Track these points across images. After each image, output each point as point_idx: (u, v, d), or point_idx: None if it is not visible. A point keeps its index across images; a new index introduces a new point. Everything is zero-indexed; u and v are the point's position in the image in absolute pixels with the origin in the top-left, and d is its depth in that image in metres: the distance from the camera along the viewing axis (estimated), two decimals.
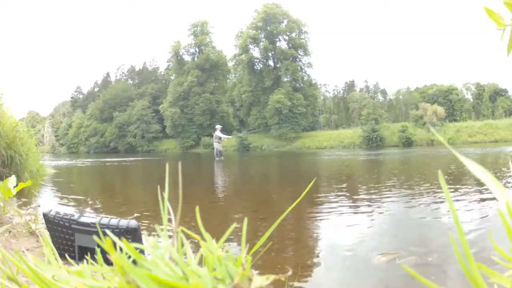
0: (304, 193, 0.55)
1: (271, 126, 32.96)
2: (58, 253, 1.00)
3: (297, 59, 36.07)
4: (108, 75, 49.05)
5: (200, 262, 0.31)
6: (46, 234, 1.15)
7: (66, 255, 0.83)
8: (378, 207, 3.47)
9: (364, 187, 5.07)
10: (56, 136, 48.43)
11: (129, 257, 0.30)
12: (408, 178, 5.92)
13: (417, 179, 5.71)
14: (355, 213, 3.26)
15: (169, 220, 0.36)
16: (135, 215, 3.36)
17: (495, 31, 0.44)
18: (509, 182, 4.70)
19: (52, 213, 1.10)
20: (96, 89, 48.29)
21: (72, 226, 1.06)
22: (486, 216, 2.86)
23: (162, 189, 0.37)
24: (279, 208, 3.91)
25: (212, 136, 18.33)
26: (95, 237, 0.34)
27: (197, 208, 0.36)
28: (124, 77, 47.72)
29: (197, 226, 0.35)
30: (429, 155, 12.94)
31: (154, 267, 0.29)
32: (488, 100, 37.62)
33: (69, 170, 10.89)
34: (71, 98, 51.68)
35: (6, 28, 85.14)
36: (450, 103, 34.16)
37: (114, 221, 1.02)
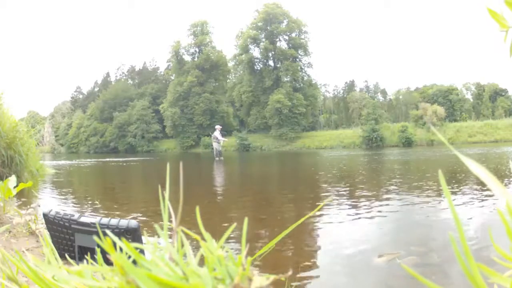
0: (318, 208, 0.56)
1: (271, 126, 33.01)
2: (58, 253, 1.00)
3: (297, 59, 36.03)
4: (108, 75, 49.06)
5: (200, 262, 0.31)
6: (46, 234, 1.15)
7: (66, 255, 0.83)
8: (379, 207, 3.47)
9: (364, 187, 5.07)
10: (56, 136, 48.37)
11: (129, 257, 0.30)
12: (409, 178, 5.92)
13: (418, 179, 5.71)
14: (355, 213, 3.26)
15: (169, 220, 0.36)
16: (135, 215, 3.37)
17: (497, 32, 0.44)
18: (509, 182, 4.70)
19: (52, 213, 1.10)
20: (96, 89, 48.26)
21: (72, 226, 1.06)
22: (487, 215, 2.86)
23: (163, 189, 0.37)
24: (279, 208, 3.91)
25: (210, 136, 18.39)
26: (95, 237, 0.34)
27: (197, 208, 0.36)
28: (124, 77, 47.69)
29: (197, 226, 0.35)
30: (429, 155, 12.94)
31: (154, 267, 0.29)
32: (488, 100, 37.58)
33: (69, 170, 10.89)
34: (71, 98, 51.68)
35: (6, 28, 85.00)
36: (450, 103, 34.13)
37: (114, 221, 1.02)
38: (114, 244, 0.31)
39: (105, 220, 1.03)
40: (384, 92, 43.78)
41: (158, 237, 0.35)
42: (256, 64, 36.56)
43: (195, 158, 20.32)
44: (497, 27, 0.43)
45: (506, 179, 4.96)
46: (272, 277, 0.29)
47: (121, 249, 0.31)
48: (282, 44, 36.05)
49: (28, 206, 3.44)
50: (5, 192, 2.44)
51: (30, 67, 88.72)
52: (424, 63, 71.00)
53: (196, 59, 38.21)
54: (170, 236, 0.34)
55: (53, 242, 1.09)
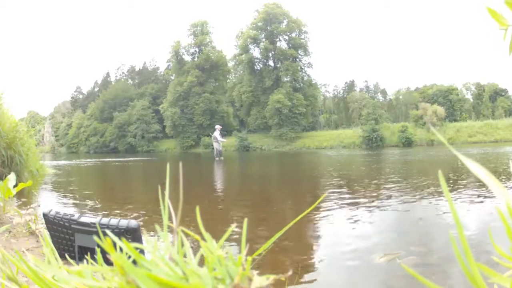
0: (314, 205, 0.56)
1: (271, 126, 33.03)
2: (58, 253, 1.00)
3: (297, 59, 36.03)
4: (108, 75, 49.06)
5: (201, 262, 0.31)
6: (46, 234, 1.15)
7: (66, 255, 0.83)
8: (379, 207, 3.47)
9: (365, 187, 5.07)
10: (56, 136, 48.41)
11: (129, 257, 0.30)
12: (409, 178, 5.92)
13: (418, 179, 5.71)
14: (355, 213, 3.26)
15: (170, 220, 0.36)
16: (135, 215, 3.36)
17: (497, 31, 0.44)
18: (509, 182, 4.70)
19: (52, 213, 1.10)
20: (96, 89, 48.26)
21: (72, 226, 1.06)
22: (487, 216, 2.86)
23: (163, 189, 0.37)
24: (279, 208, 3.91)
25: (210, 136, 18.42)
26: (95, 237, 0.34)
27: (197, 208, 0.36)
28: (124, 77, 47.70)
29: (197, 226, 0.35)
30: (430, 155, 12.94)
31: (154, 267, 0.29)
32: (488, 100, 37.58)
33: (69, 170, 10.89)
34: (71, 98, 51.68)
35: (6, 29, 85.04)
36: (450, 103, 34.14)
37: (114, 221, 1.02)
38: (114, 244, 0.31)
39: (105, 220, 1.03)
40: (384, 92, 43.78)
41: (158, 237, 0.35)
42: (256, 64, 36.56)
43: (195, 158, 20.32)
44: (497, 26, 0.43)
45: (506, 179, 4.96)
46: (272, 277, 0.29)
47: (121, 249, 0.31)
48: (282, 44, 36.08)
49: (28, 206, 3.44)
50: (5, 192, 2.44)
51: (30, 67, 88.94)
52: (424, 63, 71.03)
53: (196, 59, 38.22)
54: (170, 236, 0.34)
55: (53, 242, 1.09)
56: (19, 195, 3.93)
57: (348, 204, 3.70)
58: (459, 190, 4.22)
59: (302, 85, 35.58)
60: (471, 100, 38.80)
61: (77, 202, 4.32)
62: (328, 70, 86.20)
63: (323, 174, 7.64)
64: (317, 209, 3.43)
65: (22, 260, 0.48)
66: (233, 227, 0.38)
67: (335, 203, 3.73)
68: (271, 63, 36.34)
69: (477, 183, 4.54)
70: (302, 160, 14.11)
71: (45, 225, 1.14)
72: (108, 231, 0.35)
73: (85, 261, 0.93)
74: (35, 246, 1.95)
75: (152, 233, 2.44)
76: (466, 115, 34.17)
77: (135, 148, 39.09)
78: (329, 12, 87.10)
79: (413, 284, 1.59)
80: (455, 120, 31.99)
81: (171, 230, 0.35)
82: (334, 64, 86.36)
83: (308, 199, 4.30)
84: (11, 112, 6.07)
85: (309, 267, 1.96)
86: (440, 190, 4.16)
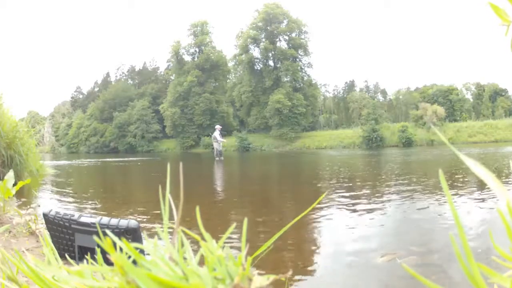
0: (312, 206, 0.56)
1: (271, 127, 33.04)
2: (58, 253, 1.00)
3: (297, 59, 36.03)
4: (108, 75, 49.01)
5: (201, 262, 0.31)
6: (46, 234, 1.15)
7: (66, 255, 0.83)
8: (379, 207, 3.47)
9: (365, 187, 5.07)
10: (56, 136, 48.38)
11: (129, 257, 0.30)
12: (409, 178, 5.92)
13: (418, 179, 5.71)
14: (355, 213, 3.26)
15: (170, 220, 0.36)
16: (135, 215, 3.37)
17: (497, 29, 0.44)
18: (509, 182, 4.70)
19: (52, 213, 1.10)
20: (96, 89, 48.23)
21: (72, 226, 1.06)
22: (487, 215, 2.86)
23: (163, 189, 0.37)
24: (279, 208, 3.91)
25: (210, 136, 18.42)
26: (95, 237, 0.34)
27: (197, 208, 0.36)
28: (124, 77, 47.67)
29: (198, 226, 0.34)
30: (430, 155, 12.94)
31: (154, 267, 0.29)
32: (488, 100, 37.55)
33: (69, 170, 10.89)
34: (71, 98, 51.66)
35: (6, 29, 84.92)
36: (450, 103, 34.11)
37: (114, 221, 1.01)
38: (114, 244, 0.31)
39: (105, 220, 1.02)
40: (384, 92, 43.74)
41: (158, 237, 0.35)
42: (256, 64, 36.55)
43: (195, 158, 20.31)
44: (498, 22, 0.43)
45: (506, 179, 4.96)
46: (272, 277, 0.29)
47: (121, 249, 0.31)
48: (282, 44, 36.06)
49: (28, 206, 3.44)
50: (4, 192, 2.44)
51: (30, 67, 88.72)
52: (424, 63, 70.85)
53: (196, 59, 38.21)
54: (171, 236, 0.34)
55: (53, 242, 1.09)
56: (19, 195, 3.93)
57: (348, 204, 3.70)
58: (461, 189, 4.22)
59: (302, 85, 35.57)
60: (471, 100, 38.77)
61: (77, 202, 4.33)
62: (328, 70, 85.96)
63: (325, 174, 7.63)
64: (318, 209, 3.43)
65: (22, 260, 0.48)
66: (233, 226, 0.38)
67: (336, 203, 3.73)
68: (271, 63, 36.33)
69: (479, 183, 4.54)
70: (303, 160, 14.11)
71: (45, 225, 1.14)
72: (108, 231, 0.35)
73: (85, 261, 0.93)
74: (35, 246, 1.95)
75: (152, 232, 2.44)
76: (466, 115, 34.14)
77: (135, 148, 39.09)
78: (329, 12, 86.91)
79: (413, 284, 1.59)
80: (455, 120, 31.97)
81: (171, 230, 0.35)
82: (334, 64, 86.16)
83: (309, 199, 4.30)
84: (11, 112, 6.08)
85: (309, 267, 1.96)
86: (440, 189, 4.16)
